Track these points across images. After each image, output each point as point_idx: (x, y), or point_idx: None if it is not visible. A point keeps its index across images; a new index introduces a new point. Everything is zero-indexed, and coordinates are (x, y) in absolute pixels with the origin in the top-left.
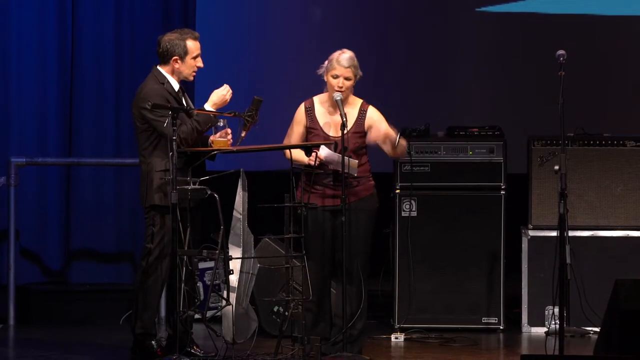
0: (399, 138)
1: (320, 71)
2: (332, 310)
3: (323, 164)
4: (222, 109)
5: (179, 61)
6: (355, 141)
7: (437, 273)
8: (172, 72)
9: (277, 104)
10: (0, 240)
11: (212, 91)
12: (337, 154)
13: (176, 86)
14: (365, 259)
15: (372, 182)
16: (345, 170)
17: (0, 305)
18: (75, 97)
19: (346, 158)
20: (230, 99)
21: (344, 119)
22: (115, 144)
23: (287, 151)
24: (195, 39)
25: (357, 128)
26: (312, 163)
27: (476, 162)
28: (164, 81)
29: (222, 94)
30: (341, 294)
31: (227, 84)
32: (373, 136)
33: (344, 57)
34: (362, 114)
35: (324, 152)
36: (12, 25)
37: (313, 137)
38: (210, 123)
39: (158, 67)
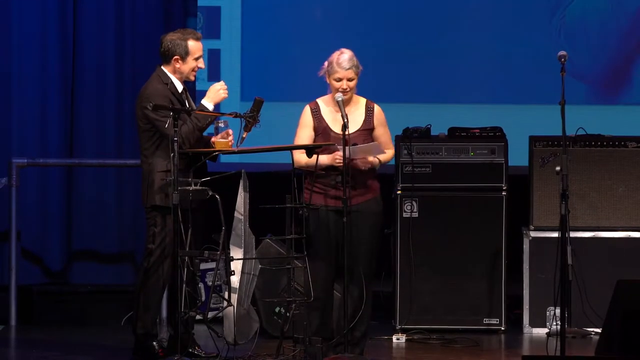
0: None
1: (321, 72)
2: (334, 312)
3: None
4: (223, 110)
5: (179, 61)
6: (364, 139)
7: (438, 274)
8: (174, 72)
9: (279, 104)
10: (2, 241)
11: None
12: (360, 146)
13: (180, 87)
14: (370, 262)
15: (378, 184)
16: (370, 156)
17: (2, 306)
18: (77, 98)
19: (369, 144)
20: (227, 96)
21: (345, 120)
22: (116, 144)
23: (296, 158)
24: (197, 39)
25: (366, 126)
26: (331, 163)
27: (477, 163)
28: (167, 81)
29: (216, 89)
30: (343, 296)
31: (228, 85)
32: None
33: (344, 59)
34: (369, 111)
35: (352, 151)
36: (13, 26)
37: (320, 137)
38: (210, 118)
39: (162, 67)
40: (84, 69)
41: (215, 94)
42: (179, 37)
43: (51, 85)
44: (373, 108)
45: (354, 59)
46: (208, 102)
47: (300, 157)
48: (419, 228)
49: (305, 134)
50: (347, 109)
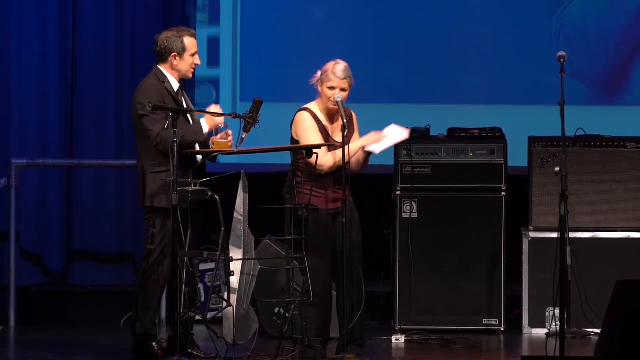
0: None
1: (313, 81)
2: (332, 311)
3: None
4: (223, 111)
5: (177, 58)
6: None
7: (437, 274)
8: (172, 69)
9: (278, 105)
10: (1, 241)
11: (210, 90)
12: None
13: (176, 85)
14: (361, 259)
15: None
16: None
17: (1, 307)
18: (76, 98)
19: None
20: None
21: (344, 121)
22: (116, 145)
23: (324, 160)
24: (192, 36)
25: (350, 132)
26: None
27: (477, 163)
28: (164, 80)
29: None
30: (341, 295)
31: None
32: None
33: (339, 69)
34: (349, 118)
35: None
36: (13, 26)
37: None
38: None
39: (158, 66)
40: (83, 69)
41: (211, 121)
42: (174, 35)
43: (51, 86)
44: (352, 114)
45: (349, 70)
46: (205, 123)
47: (328, 157)
48: (419, 228)
49: (319, 138)
50: (336, 117)
